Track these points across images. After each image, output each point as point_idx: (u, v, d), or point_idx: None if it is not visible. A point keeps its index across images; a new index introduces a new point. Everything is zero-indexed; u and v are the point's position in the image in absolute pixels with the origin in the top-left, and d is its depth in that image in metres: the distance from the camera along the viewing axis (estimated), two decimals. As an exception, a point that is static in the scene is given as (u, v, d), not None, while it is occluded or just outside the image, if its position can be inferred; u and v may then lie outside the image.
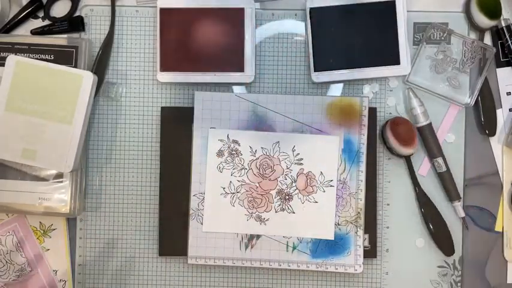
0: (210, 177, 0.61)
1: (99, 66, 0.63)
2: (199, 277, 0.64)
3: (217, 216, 0.61)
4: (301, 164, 0.62)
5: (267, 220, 0.61)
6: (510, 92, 0.65)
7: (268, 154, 0.62)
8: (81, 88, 0.58)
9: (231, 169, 0.62)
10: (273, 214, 0.61)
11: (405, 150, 0.62)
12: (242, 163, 0.62)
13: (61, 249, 0.64)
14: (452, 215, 0.63)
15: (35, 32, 0.63)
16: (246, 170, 0.61)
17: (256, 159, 0.62)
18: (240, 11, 0.62)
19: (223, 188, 0.61)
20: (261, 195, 0.61)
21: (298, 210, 0.61)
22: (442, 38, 0.64)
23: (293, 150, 0.62)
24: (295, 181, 0.62)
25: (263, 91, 0.64)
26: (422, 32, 0.64)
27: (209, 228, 0.61)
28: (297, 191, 0.61)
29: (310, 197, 0.61)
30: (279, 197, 0.61)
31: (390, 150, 0.63)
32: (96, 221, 0.64)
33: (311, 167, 0.62)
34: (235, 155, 0.62)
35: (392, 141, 0.61)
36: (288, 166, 0.62)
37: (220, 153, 0.62)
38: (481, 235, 0.64)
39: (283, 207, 0.61)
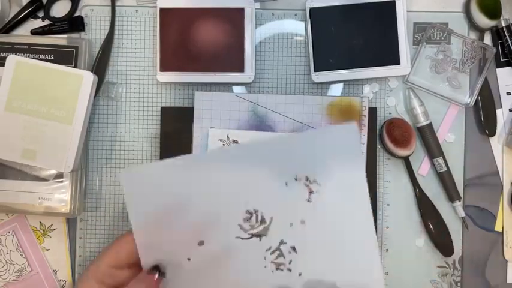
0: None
1: (99, 66, 0.63)
2: (199, 277, 0.64)
3: None
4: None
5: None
6: (510, 92, 0.65)
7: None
8: (81, 88, 0.58)
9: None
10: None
11: (401, 152, 0.62)
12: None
13: (61, 249, 0.64)
14: (452, 215, 0.63)
15: (35, 32, 0.63)
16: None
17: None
18: (240, 11, 0.62)
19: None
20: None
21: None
22: (442, 38, 0.64)
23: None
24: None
25: (263, 91, 0.64)
26: (422, 32, 0.64)
27: None
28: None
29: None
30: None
31: (388, 151, 0.63)
32: (96, 221, 0.63)
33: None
34: None
35: (389, 143, 0.61)
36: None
37: None
38: (481, 235, 0.64)
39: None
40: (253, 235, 0.44)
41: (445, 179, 0.63)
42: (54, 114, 0.58)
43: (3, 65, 0.58)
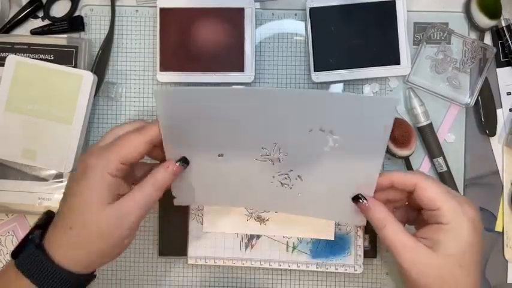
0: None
1: (99, 66, 0.63)
2: (199, 277, 0.64)
3: (217, 215, 0.61)
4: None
5: (267, 220, 0.61)
6: (510, 92, 0.65)
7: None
8: (81, 88, 0.58)
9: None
10: (273, 214, 0.61)
11: (402, 152, 0.61)
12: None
13: (61, 249, 0.64)
14: (452, 215, 0.63)
15: (35, 32, 0.63)
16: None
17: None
18: (240, 11, 0.62)
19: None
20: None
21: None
22: (442, 38, 0.64)
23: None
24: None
25: (263, 91, 0.64)
26: (423, 32, 0.64)
27: (209, 229, 0.61)
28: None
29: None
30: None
31: (388, 151, 0.63)
32: (96, 221, 0.63)
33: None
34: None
35: (389, 143, 0.61)
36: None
37: None
38: (481, 235, 0.64)
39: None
40: (269, 160, 0.51)
41: (445, 179, 0.63)
42: (54, 114, 0.58)
43: (3, 65, 0.58)
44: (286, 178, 0.52)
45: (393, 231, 0.46)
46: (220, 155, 0.51)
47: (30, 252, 0.43)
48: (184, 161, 0.49)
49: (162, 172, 0.47)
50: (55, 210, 0.60)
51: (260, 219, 0.61)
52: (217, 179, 0.52)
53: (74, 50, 0.61)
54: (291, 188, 0.52)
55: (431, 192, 0.46)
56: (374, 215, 0.48)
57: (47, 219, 0.47)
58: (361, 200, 0.49)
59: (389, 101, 0.47)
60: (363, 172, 0.50)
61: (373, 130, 0.47)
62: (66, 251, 0.44)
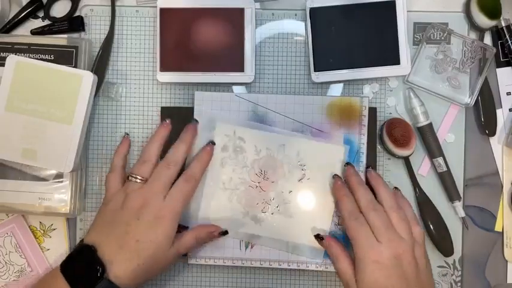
0: (211, 170, 0.61)
1: (99, 66, 0.63)
2: (199, 277, 0.64)
3: (213, 210, 0.61)
4: (303, 169, 0.61)
5: (263, 221, 0.61)
6: (510, 92, 0.65)
7: (272, 155, 0.61)
8: (81, 88, 0.58)
9: (233, 165, 0.61)
10: (269, 215, 0.61)
11: (402, 152, 0.62)
12: (245, 161, 0.61)
13: (61, 249, 0.64)
14: (452, 215, 0.63)
15: (35, 32, 0.63)
16: (248, 168, 0.61)
17: (259, 158, 0.61)
18: (240, 11, 0.62)
19: (224, 184, 0.61)
20: (260, 195, 0.61)
21: (296, 214, 0.61)
22: (442, 38, 0.64)
23: (297, 155, 0.61)
24: (295, 185, 0.61)
25: (263, 91, 0.64)
26: (422, 32, 0.64)
27: (205, 220, 0.61)
28: (296, 195, 0.61)
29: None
30: (277, 199, 0.61)
31: (388, 151, 0.63)
32: (96, 221, 0.63)
33: (313, 174, 0.61)
34: (239, 152, 0.61)
35: (389, 143, 0.61)
36: (290, 170, 0.61)
37: (225, 148, 0.61)
38: (481, 235, 0.64)
39: (281, 209, 0.61)
40: (259, 187, 0.62)
41: (445, 179, 0.63)
42: (54, 114, 0.58)
43: (3, 65, 0.58)
44: (267, 205, 0.61)
45: (343, 265, 0.57)
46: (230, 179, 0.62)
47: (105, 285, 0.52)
48: (225, 233, 0.60)
49: (206, 236, 0.60)
50: (55, 210, 0.60)
51: (256, 219, 0.61)
52: (227, 203, 0.62)
53: (74, 50, 0.61)
54: (272, 214, 0.61)
55: (350, 230, 0.56)
56: (330, 251, 0.59)
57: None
58: (320, 239, 0.60)
59: (340, 147, 0.62)
60: (322, 207, 0.61)
61: (330, 169, 0.61)
62: (131, 280, 0.53)
